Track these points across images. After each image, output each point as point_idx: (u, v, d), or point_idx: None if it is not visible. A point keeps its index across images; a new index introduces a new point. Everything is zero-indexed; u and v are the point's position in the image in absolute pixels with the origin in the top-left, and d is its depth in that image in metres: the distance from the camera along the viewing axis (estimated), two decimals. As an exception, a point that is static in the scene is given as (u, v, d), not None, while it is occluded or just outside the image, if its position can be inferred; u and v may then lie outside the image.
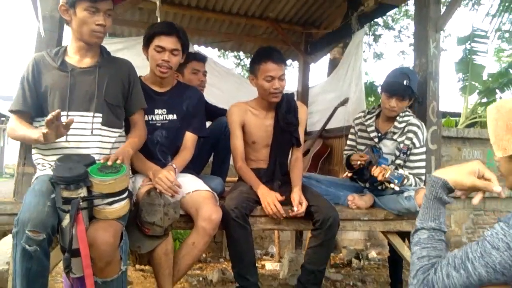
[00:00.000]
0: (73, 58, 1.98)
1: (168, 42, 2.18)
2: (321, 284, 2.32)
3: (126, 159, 1.82)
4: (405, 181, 2.35)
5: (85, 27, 1.89)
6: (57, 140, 1.84)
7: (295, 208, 2.19)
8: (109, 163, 1.74)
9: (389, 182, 2.32)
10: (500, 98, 7.72)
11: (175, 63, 2.24)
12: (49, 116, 1.64)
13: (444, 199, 1.19)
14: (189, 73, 2.85)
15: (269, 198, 2.20)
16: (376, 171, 2.36)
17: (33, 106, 1.93)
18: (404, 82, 2.49)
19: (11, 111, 1.93)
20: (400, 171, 2.40)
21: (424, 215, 1.21)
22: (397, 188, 2.33)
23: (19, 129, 1.88)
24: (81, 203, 1.62)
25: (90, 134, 1.92)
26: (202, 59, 2.95)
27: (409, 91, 2.49)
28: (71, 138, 1.88)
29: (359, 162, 2.53)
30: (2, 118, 16.09)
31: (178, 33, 2.21)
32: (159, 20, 3.24)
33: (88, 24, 1.88)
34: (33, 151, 1.96)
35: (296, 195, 2.25)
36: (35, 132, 1.80)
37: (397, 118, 2.58)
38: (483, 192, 1.18)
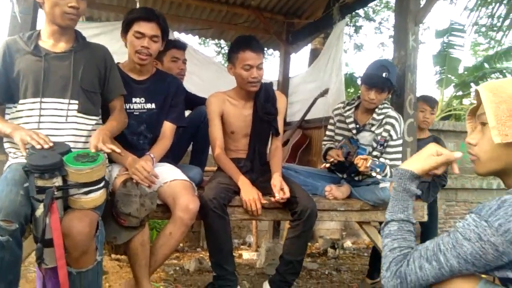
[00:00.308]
0: (47, 42, 1.92)
1: (147, 28, 2.12)
2: (299, 274, 2.35)
3: (105, 141, 1.76)
4: (387, 169, 2.38)
5: (57, 9, 1.83)
6: (29, 128, 1.79)
7: (276, 195, 2.20)
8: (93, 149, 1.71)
9: (371, 171, 2.34)
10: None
11: (155, 50, 2.19)
12: (37, 146, 1.64)
13: (412, 190, 1.23)
14: (168, 61, 2.80)
15: (250, 196, 2.20)
16: (358, 161, 2.38)
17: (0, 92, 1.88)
18: (384, 75, 2.51)
19: None
20: (381, 159, 2.43)
21: (394, 207, 1.23)
22: (379, 176, 2.36)
23: None
24: (56, 193, 1.58)
25: (65, 122, 1.87)
26: (182, 46, 2.90)
27: (388, 83, 2.52)
28: (44, 125, 1.83)
29: (332, 160, 2.55)
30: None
31: (158, 19, 2.16)
32: (138, 6, 3.17)
33: (60, 6, 1.82)
34: (5, 139, 1.90)
35: (277, 181, 2.25)
36: (6, 127, 1.79)
37: (376, 110, 2.60)
38: (446, 165, 1.25)
